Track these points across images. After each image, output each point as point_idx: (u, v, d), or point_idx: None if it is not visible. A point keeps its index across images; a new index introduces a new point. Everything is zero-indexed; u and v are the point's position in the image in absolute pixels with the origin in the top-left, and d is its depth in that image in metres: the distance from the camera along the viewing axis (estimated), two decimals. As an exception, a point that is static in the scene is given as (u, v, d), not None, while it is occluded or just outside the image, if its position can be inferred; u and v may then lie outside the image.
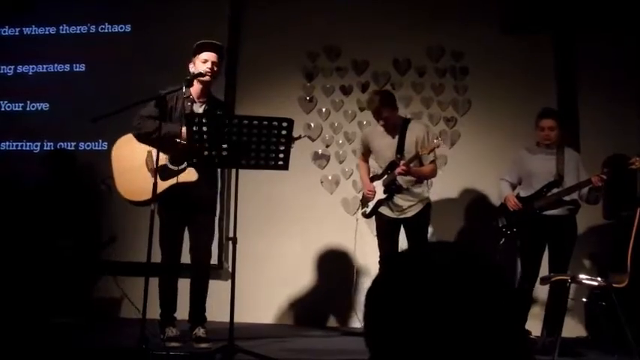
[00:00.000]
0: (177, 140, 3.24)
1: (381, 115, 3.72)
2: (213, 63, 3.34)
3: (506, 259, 3.93)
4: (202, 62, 3.33)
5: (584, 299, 3.86)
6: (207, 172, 3.39)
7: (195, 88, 3.37)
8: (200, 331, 3.39)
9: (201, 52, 3.37)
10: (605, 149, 4.10)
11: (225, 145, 2.96)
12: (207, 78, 3.33)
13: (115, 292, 4.50)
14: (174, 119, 3.34)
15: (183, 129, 3.19)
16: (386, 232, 3.86)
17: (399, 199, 3.80)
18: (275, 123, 2.99)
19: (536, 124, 3.78)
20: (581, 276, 3.56)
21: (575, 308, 4.06)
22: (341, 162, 4.68)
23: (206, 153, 2.99)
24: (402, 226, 3.85)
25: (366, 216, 3.94)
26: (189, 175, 3.29)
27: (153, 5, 4.87)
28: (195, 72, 3.31)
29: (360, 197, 4.10)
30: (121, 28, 4.92)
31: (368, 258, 4.29)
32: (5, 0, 5.09)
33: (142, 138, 3.37)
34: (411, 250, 0.94)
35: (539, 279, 3.68)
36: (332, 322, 4.46)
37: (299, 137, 3.24)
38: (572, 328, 4.01)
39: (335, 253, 4.58)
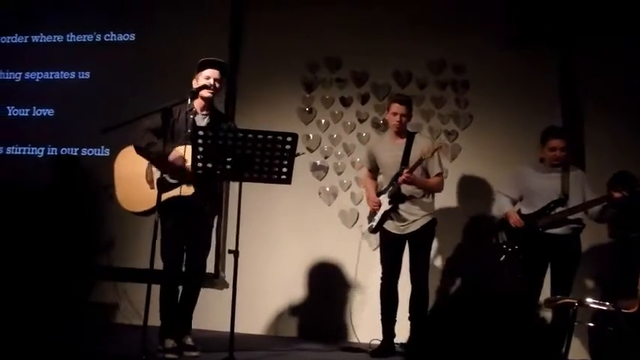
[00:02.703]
0: (168, 162, 3.00)
1: (402, 107, 3.33)
2: (215, 80, 3.11)
3: (509, 274, 3.39)
4: (205, 79, 3.11)
5: (591, 324, 3.30)
6: (208, 186, 3.07)
7: (198, 102, 3.13)
8: (188, 340, 3.14)
9: (204, 68, 3.13)
10: (610, 166, 3.53)
11: (229, 159, 2.74)
12: (207, 94, 3.09)
13: (113, 297, 4.11)
14: (177, 131, 3.03)
15: (171, 156, 2.97)
16: (389, 249, 3.38)
17: (403, 212, 3.32)
18: (279, 137, 2.75)
19: (545, 142, 3.26)
20: (589, 300, 3.02)
21: (578, 330, 3.51)
22: (339, 173, 4.15)
23: (207, 165, 2.75)
24: (406, 243, 3.36)
25: (372, 231, 3.45)
26: (187, 188, 3.01)
27: (156, 15, 4.44)
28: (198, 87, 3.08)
29: (362, 209, 3.67)
30: (126, 36, 4.51)
31: (368, 272, 3.76)
32: (14, 9, 4.69)
33: (138, 151, 3.07)
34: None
35: (543, 300, 3.17)
36: (329, 335, 3.90)
37: (298, 154, 2.90)
38: (575, 352, 3.46)
39: (332, 266, 4.04)
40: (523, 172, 3.36)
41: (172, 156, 2.97)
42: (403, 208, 3.33)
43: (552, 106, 3.85)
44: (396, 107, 3.35)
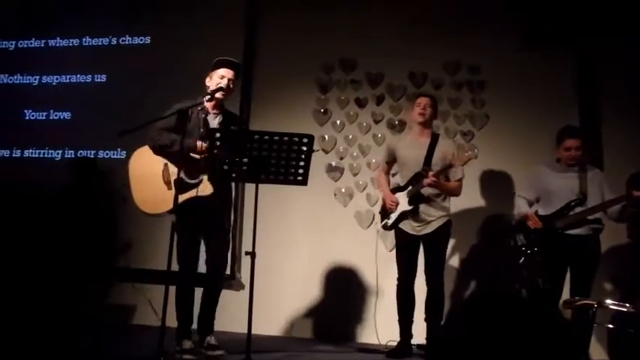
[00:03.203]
0: (192, 155, 2.97)
1: (426, 98, 3.38)
2: (229, 80, 3.10)
3: (528, 276, 3.34)
4: (219, 78, 3.10)
5: (610, 325, 3.24)
6: (222, 185, 3.05)
7: (210, 101, 3.10)
8: (212, 339, 3.12)
9: (219, 68, 3.12)
10: (629, 167, 3.48)
11: (245, 160, 2.71)
12: (220, 95, 3.08)
13: (130, 298, 4.12)
14: (189, 130, 3.00)
15: (199, 142, 2.97)
16: (406, 250, 3.35)
17: (422, 213, 3.29)
18: (296, 139, 2.72)
19: (561, 142, 3.22)
20: (608, 301, 2.96)
21: (597, 332, 3.45)
22: (355, 175, 4.13)
23: (225, 167, 2.73)
24: (421, 243, 3.33)
25: (388, 228, 3.41)
26: (205, 188, 2.99)
27: (171, 19, 4.44)
28: (212, 86, 3.06)
29: (377, 210, 3.59)
30: (141, 40, 4.52)
31: (384, 273, 3.73)
32: (31, 13, 4.72)
33: (157, 151, 3.04)
34: None
35: (561, 302, 3.12)
36: (345, 336, 3.88)
37: (312, 151, 2.84)
38: (595, 354, 3.41)
39: (347, 267, 4.02)
40: (540, 172, 3.32)
41: (193, 149, 2.95)
42: (421, 209, 3.30)
43: (569, 107, 3.79)
44: (420, 99, 3.39)
